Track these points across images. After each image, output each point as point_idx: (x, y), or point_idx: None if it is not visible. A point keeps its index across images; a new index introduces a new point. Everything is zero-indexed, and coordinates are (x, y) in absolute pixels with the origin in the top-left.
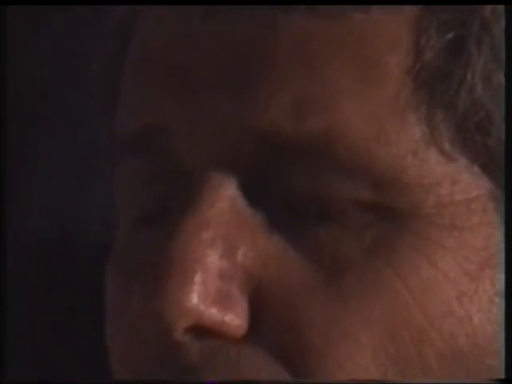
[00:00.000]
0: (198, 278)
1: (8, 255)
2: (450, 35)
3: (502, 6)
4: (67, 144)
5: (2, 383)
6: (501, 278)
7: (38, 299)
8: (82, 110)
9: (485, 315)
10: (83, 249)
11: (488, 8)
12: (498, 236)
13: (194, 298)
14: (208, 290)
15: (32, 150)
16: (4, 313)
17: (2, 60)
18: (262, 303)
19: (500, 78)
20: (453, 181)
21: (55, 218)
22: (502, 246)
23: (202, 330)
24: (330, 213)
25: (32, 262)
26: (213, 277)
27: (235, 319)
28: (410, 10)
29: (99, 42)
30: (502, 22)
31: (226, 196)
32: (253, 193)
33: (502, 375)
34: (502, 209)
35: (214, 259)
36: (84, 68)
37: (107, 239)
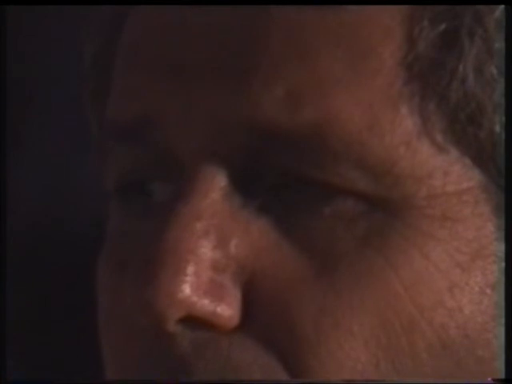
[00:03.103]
0: (190, 269)
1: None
2: (443, 26)
3: (503, 5)
4: (66, 104)
5: (2, 383)
6: (492, 269)
7: (38, 295)
8: (71, 98)
9: (476, 306)
10: (76, 241)
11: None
12: (490, 227)
13: (187, 289)
14: (200, 280)
15: (30, 113)
16: (3, 311)
17: (1, 60)
18: (255, 294)
19: (492, 70)
20: (445, 172)
21: (45, 207)
22: (503, 246)
23: (194, 321)
24: (323, 203)
25: (25, 257)
26: (205, 268)
27: (227, 310)
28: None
29: (92, 34)
30: (495, 14)
31: (218, 187)
32: (245, 184)
33: (501, 375)
34: (503, 202)
35: (206, 250)
36: (74, 61)
37: (97, 230)
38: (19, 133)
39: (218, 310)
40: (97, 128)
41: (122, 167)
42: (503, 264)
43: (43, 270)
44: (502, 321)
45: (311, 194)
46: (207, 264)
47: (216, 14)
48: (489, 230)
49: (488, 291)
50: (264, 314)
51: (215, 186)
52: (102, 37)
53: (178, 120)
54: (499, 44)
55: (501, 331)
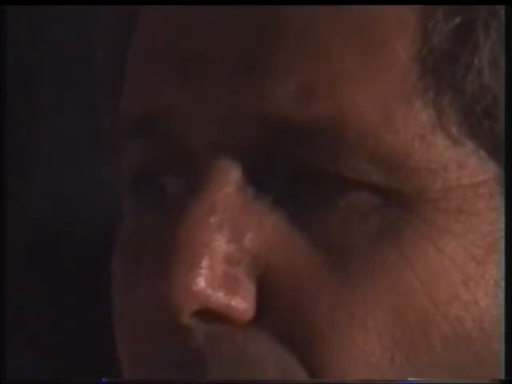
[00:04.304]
0: (205, 263)
1: (7, 248)
2: (458, 19)
3: (503, 5)
4: (67, 105)
5: (2, 383)
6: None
7: (39, 295)
8: (71, 98)
9: (491, 300)
10: (85, 238)
11: None
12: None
13: (201, 282)
14: (215, 274)
15: (31, 113)
16: (3, 311)
17: (1, 59)
18: (269, 288)
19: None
20: (460, 165)
21: (56, 205)
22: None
23: (209, 314)
24: (336, 197)
25: (32, 257)
26: (220, 261)
27: (241, 303)
28: None
29: (104, 31)
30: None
31: (232, 181)
32: (259, 178)
33: (502, 375)
34: (503, 196)
35: (221, 243)
36: (84, 57)
37: (110, 228)
38: (20, 133)
39: (233, 303)
40: (109, 124)
41: (135, 162)
42: None
43: (43, 269)
44: None
45: (325, 187)
46: (221, 257)
47: (229, 9)
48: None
49: (503, 284)
50: (278, 307)
51: (229, 179)
52: (115, 34)
53: (191, 114)
54: None
55: None
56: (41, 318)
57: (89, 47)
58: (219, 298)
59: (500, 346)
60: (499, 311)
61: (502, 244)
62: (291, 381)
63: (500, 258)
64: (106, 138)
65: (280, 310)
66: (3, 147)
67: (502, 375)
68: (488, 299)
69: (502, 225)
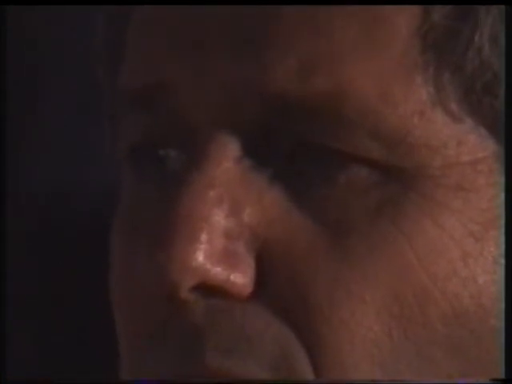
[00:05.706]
0: (203, 237)
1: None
2: None
3: (503, 6)
4: (67, 105)
5: (2, 383)
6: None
7: (39, 294)
8: (70, 98)
9: (489, 276)
10: (84, 217)
11: None
12: (503, 197)
13: (200, 257)
14: (214, 248)
15: (31, 113)
16: (4, 309)
17: (1, 60)
18: (267, 263)
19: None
20: (459, 142)
21: (55, 180)
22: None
23: (208, 289)
24: (336, 172)
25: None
26: (219, 236)
27: (240, 278)
28: None
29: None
30: None
31: (231, 155)
32: (258, 153)
33: (501, 375)
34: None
35: (220, 218)
36: (84, 57)
37: (108, 203)
38: (21, 131)
39: (232, 277)
40: (110, 96)
41: (134, 136)
42: None
43: (43, 268)
44: None
45: (325, 163)
46: (220, 232)
47: None
48: (502, 200)
49: (501, 261)
50: (277, 282)
51: (228, 154)
52: (116, 5)
53: (192, 88)
54: None
55: None
56: (41, 317)
57: (89, 47)
58: (218, 272)
59: (497, 323)
60: (497, 288)
61: (500, 221)
62: (291, 381)
63: (498, 234)
64: (106, 114)
65: (279, 285)
66: (3, 147)
67: (501, 371)
68: (486, 276)
69: (501, 200)
